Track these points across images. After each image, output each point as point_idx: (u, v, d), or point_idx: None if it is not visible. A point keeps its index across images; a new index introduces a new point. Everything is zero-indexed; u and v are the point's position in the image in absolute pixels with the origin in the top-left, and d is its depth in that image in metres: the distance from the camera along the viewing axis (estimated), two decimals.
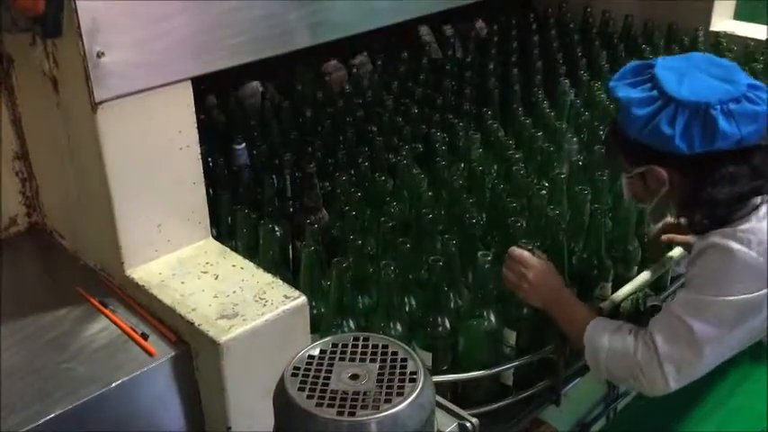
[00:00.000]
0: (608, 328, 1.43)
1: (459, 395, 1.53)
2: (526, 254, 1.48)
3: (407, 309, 1.53)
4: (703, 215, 1.34)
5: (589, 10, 2.73)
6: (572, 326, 1.47)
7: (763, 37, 2.46)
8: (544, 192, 1.69)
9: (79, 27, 1.12)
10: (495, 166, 1.88)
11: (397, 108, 2.13)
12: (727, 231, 1.31)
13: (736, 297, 1.29)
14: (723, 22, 2.59)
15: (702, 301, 1.32)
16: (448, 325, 1.48)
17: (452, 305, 1.51)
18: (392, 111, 2.11)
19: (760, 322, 1.33)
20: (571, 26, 2.71)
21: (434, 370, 1.48)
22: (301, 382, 0.86)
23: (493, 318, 1.49)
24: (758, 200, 1.32)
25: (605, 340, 1.41)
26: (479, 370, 1.48)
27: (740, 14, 2.64)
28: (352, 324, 1.45)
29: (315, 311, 1.46)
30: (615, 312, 1.60)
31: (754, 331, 1.34)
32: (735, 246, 1.29)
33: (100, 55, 1.15)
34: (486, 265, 1.45)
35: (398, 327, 1.46)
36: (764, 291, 1.29)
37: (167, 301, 1.25)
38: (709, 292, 1.31)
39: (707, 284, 1.32)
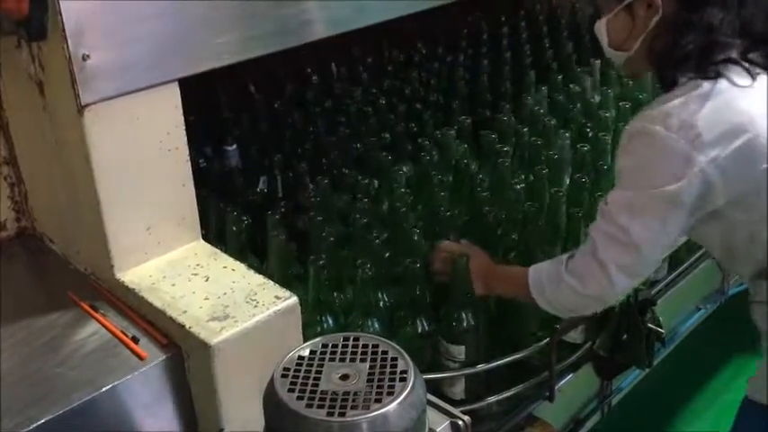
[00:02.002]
0: (545, 263, 1.42)
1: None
2: (452, 244, 1.52)
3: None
4: (676, 68, 1.27)
5: (578, 5, 2.74)
6: (516, 287, 1.45)
7: None
8: (520, 188, 1.71)
9: (64, 30, 1.11)
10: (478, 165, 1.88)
11: (387, 107, 2.13)
12: (653, 114, 1.25)
13: (665, 188, 1.23)
14: None
15: (633, 198, 1.27)
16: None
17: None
18: (381, 109, 2.11)
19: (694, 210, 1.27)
20: (562, 22, 2.71)
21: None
22: (291, 383, 0.86)
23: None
24: (705, 84, 1.25)
25: (545, 272, 1.40)
26: None
27: None
28: (376, 323, 1.46)
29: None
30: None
31: (692, 219, 1.29)
32: (656, 128, 1.22)
33: (85, 57, 1.14)
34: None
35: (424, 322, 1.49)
36: (690, 177, 1.22)
37: (158, 303, 1.24)
38: (638, 187, 1.26)
39: (634, 178, 1.28)
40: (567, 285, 1.35)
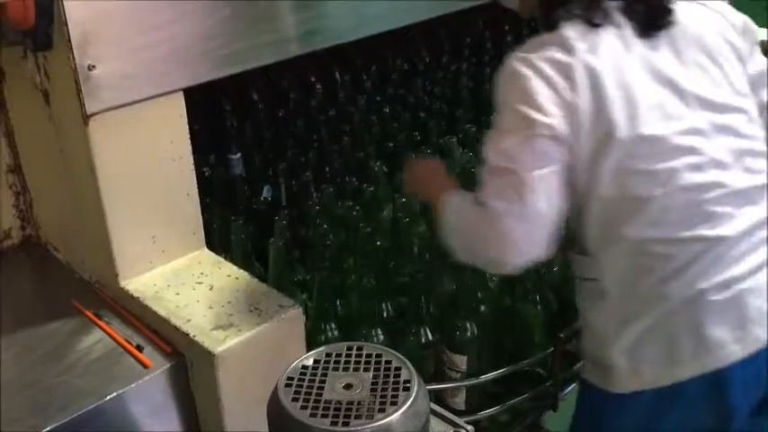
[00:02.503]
0: (465, 194, 1.33)
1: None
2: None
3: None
4: (563, 6, 1.25)
5: None
6: (438, 201, 1.36)
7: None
8: None
9: (69, 40, 1.12)
10: None
11: (391, 115, 2.13)
12: (527, 56, 1.22)
13: (532, 131, 1.19)
14: None
15: (508, 140, 1.21)
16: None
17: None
18: (385, 118, 2.11)
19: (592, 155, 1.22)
20: None
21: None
22: (295, 392, 0.87)
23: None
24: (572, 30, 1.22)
25: (457, 203, 1.32)
26: None
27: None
28: (380, 333, 1.46)
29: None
30: None
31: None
32: (523, 68, 1.21)
33: (91, 67, 1.15)
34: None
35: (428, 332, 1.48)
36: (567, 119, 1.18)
37: (162, 312, 1.25)
38: (509, 128, 1.22)
39: (504, 120, 1.24)
40: (466, 222, 1.29)
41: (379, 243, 1.59)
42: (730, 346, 1.21)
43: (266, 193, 1.78)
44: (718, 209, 1.21)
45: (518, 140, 1.20)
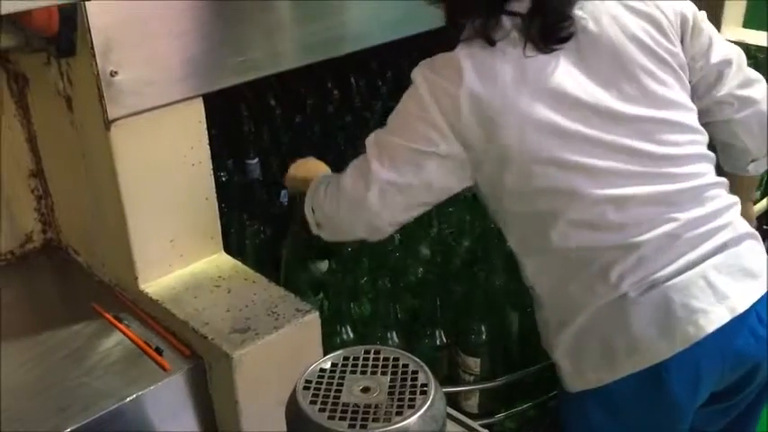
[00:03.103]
0: (329, 174, 1.43)
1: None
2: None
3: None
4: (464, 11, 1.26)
5: None
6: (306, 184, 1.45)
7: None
8: None
9: (92, 47, 1.14)
10: None
11: None
12: (430, 77, 1.24)
13: (408, 143, 1.25)
14: (731, 30, 2.59)
15: (387, 141, 1.28)
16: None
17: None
18: None
19: (440, 179, 1.27)
20: None
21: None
22: (313, 395, 0.87)
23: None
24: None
25: (319, 180, 1.42)
26: None
27: (749, 23, 2.63)
28: (395, 336, 1.47)
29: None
30: None
31: (435, 191, 1.29)
32: (421, 84, 1.24)
33: (113, 74, 1.17)
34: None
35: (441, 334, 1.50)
36: (440, 146, 1.23)
37: (181, 315, 1.26)
38: (394, 132, 1.28)
39: (393, 122, 1.30)
40: (321, 197, 1.38)
41: (393, 244, 1.60)
42: (659, 345, 1.21)
43: (283, 197, 1.79)
44: (627, 219, 1.22)
45: (396, 146, 1.26)
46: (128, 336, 1.28)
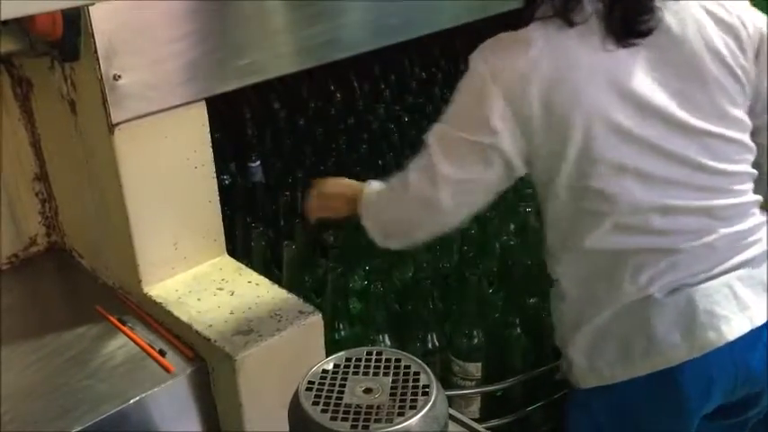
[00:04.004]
0: (381, 183, 1.37)
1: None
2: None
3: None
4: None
5: None
6: (354, 200, 1.39)
7: None
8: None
9: (96, 51, 1.15)
10: None
11: (409, 122, 2.15)
12: (492, 60, 1.18)
13: (469, 136, 1.20)
14: None
15: (448, 136, 1.24)
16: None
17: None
18: (404, 126, 2.13)
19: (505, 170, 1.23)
20: None
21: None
22: (316, 396, 0.88)
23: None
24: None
25: (374, 190, 1.36)
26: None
27: None
28: (387, 340, 1.47)
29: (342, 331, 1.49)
30: None
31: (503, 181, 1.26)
32: (482, 68, 1.18)
33: (116, 78, 1.17)
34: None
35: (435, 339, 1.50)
36: (497, 135, 1.18)
37: (184, 317, 1.27)
38: (453, 124, 1.24)
39: (456, 114, 1.24)
40: (386, 201, 1.34)
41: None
42: (678, 348, 1.22)
43: (286, 200, 1.79)
44: (671, 226, 1.22)
45: (459, 141, 1.22)
46: (131, 338, 1.29)
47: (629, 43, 1.18)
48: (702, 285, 1.22)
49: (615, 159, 1.18)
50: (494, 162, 1.21)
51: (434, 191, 1.24)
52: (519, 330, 1.54)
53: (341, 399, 0.87)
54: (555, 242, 1.31)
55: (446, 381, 1.54)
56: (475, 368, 1.51)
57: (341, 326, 1.50)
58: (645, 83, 1.18)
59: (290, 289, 1.34)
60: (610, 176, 1.19)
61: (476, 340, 1.51)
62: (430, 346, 1.51)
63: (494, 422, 1.51)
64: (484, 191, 1.26)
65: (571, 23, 1.17)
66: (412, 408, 0.85)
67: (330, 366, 0.92)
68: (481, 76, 1.18)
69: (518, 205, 1.69)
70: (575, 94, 1.16)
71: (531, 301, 1.60)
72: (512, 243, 1.56)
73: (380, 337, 1.48)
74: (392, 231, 1.35)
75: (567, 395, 1.39)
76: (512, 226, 1.72)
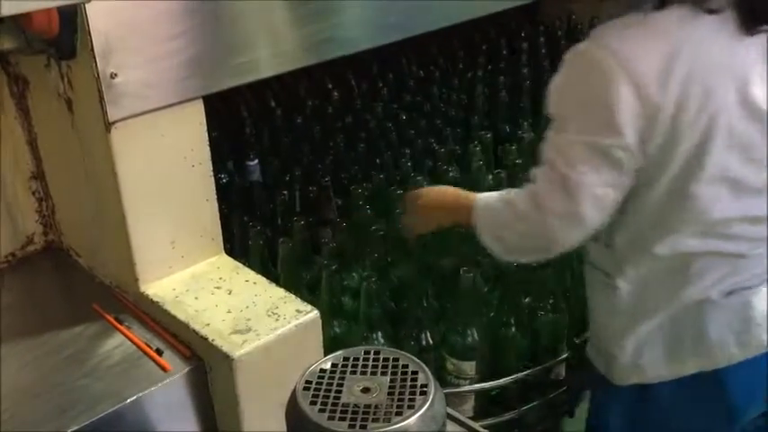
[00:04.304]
0: (493, 195, 1.33)
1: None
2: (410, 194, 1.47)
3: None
4: None
5: (596, 20, 2.74)
6: (463, 212, 1.35)
7: None
8: None
9: (93, 49, 1.14)
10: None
11: (407, 121, 2.15)
12: (619, 49, 1.10)
13: (604, 140, 1.12)
14: None
15: (571, 143, 1.16)
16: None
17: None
18: (401, 123, 2.13)
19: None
20: (581, 38, 2.71)
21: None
22: (313, 395, 0.87)
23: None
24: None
25: (491, 206, 1.31)
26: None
27: None
28: (381, 338, 1.47)
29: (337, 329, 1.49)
30: None
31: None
32: (607, 61, 1.09)
33: (113, 76, 1.17)
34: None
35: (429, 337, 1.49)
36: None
37: (181, 316, 1.26)
38: (577, 130, 1.15)
39: (575, 117, 1.16)
40: (509, 219, 1.26)
41: (385, 246, 1.60)
42: (731, 349, 1.22)
43: (283, 198, 1.79)
44: (747, 234, 1.21)
45: (584, 146, 1.14)
46: (128, 337, 1.28)
47: (758, 30, 1.11)
48: (758, 288, 1.22)
49: (720, 165, 1.14)
50: (624, 163, 1.14)
51: (573, 204, 1.17)
52: (514, 329, 1.54)
53: (338, 398, 0.87)
54: (623, 241, 1.26)
55: (440, 379, 1.52)
56: (469, 367, 1.51)
57: (335, 323, 1.50)
58: (758, 85, 1.13)
59: (285, 286, 1.34)
60: (710, 183, 1.15)
61: (470, 339, 1.50)
62: (424, 344, 1.50)
63: (488, 421, 1.50)
64: (620, 193, 1.19)
65: (709, 11, 1.09)
66: (410, 407, 0.85)
67: (328, 366, 0.92)
68: (606, 69, 1.10)
69: None
70: (706, 94, 1.10)
71: (527, 300, 1.60)
72: None
73: (374, 334, 1.48)
74: (522, 248, 1.29)
75: (596, 379, 1.37)
76: None
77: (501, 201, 1.30)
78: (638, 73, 1.08)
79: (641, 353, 1.27)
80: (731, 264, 1.22)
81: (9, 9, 0.91)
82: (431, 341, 1.51)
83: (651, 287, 1.25)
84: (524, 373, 1.54)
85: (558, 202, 1.18)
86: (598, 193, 1.16)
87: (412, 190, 1.50)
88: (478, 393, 1.53)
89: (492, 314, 1.55)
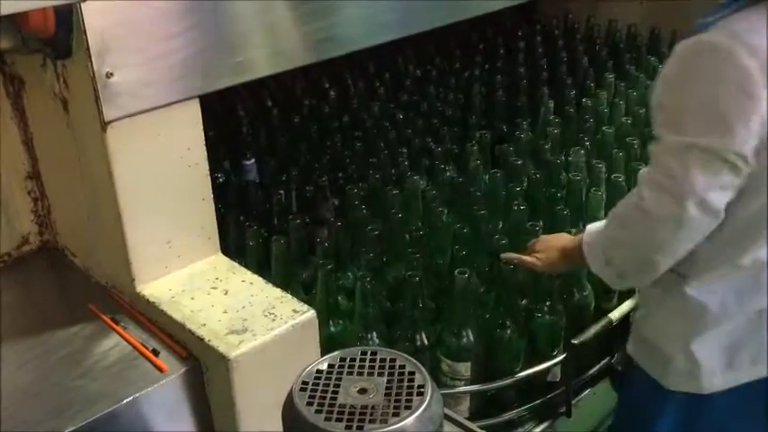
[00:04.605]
0: (598, 222, 1.32)
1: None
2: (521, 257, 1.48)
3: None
4: None
5: (593, 19, 2.75)
6: (576, 251, 1.34)
7: None
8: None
9: (88, 48, 1.14)
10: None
11: (404, 120, 2.14)
12: (744, 39, 1.04)
13: (733, 148, 1.08)
14: None
15: (690, 147, 1.11)
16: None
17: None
18: (398, 123, 2.12)
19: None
20: (577, 37, 2.72)
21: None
22: (310, 396, 0.87)
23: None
24: None
25: (596, 229, 1.30)
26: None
27: None
28: (375, 338, 1.46)
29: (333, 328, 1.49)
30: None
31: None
32: (740, 57, 1.04)
33: (109, 75, 1.16)
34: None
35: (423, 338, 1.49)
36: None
37: (177, 317, 1.26)
38: (695, 133, 1.10)
39: (693, 119, 1.10)
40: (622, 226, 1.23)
41: (381, 246, 1.60)
42: None
43: (280, 198, 1.78)
44: None
45: (701, 157, 1.10)
46: (124, 338, 1.28)
47: None
48: None
49: None
50: (742, 168, 1.11)
51: (680, 208, 1.12)
52: (509, 331, 1.54)
53: (335, 399, 0.87)
54: (711, 246, 1.21)
55: (435, 380, 1.51)
56: (464, 368, 1.50)
57: (330, 323, 1.50)
58: None
59: (278, 285, 1.33)
60: None
61: (465, 340, 1.50)
62: (419, 344, 1.50)
63: (484, 422, 1.50)
64: (731, 196, 1.15)
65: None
66: (407, 408, 0.85)
67: (324, 366, 0.92)
68: (740, 66, 1.05)
69: (511, 205, 1.69)
70: None
71: (523, 302, 1.59)
72: (503, 242, 1.56)
73: (369, 334, 1.47)
74: (628, 269, 1.25)
75: (639, 380, 1.36)
76: (504, 225, 1.71)
77: (607, 219, 1.28)
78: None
79: (699, 360, 1.26)
80: None
81: (8, 8, 0.91)
82: (426, 342, 1.51)
83: (724, 295, 1.24)
84: (519, 376, 1.53)
85: (664, 207, 1.14)
86: (710, 198, 1.12)
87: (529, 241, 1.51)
88: (474, 394, 1.53)
89: (487, 315, 1.55)
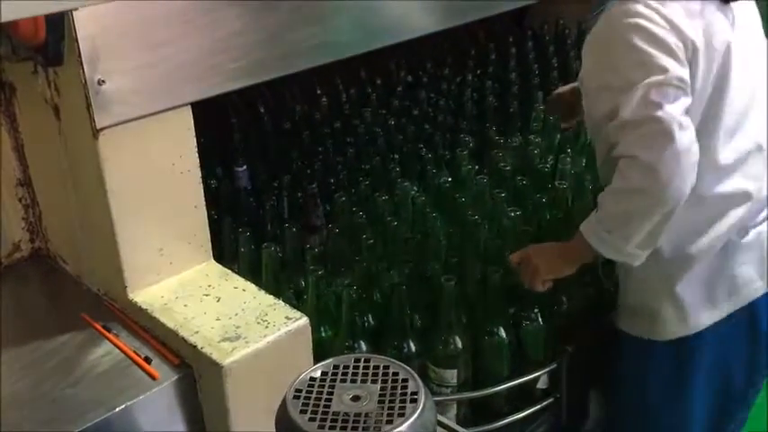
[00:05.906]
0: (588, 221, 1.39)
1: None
2: (515, 256, 1.52)
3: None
4: None
5: (584, 24, 2.75)
6: (575, 246, 1.42)
7: None
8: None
9: (80, 55, 1.14)
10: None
11: (395, 126, 2.15)
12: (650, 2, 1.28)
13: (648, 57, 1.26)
14: None
15: (637, 95, 1.25)
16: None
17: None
18: (390, 130, 2.12)
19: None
20: (569, 42, 2.73)
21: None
22: (303, 404, 0.87)
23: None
24: None
25: (593, 217, 1.36)
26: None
27: None
28: (363, 346, 1.46)
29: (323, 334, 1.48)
30: None
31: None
32: (651, 14, 1.28)
33: (101, 82, 1.16)
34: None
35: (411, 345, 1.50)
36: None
37: (170, 324, 1.26)
38: (636, 79, 1.26)
39: (628, 73, 1.27)
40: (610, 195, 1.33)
41: (371, 253, 1.60)
42: (756, 283, 1.40)
43: (272, 204, 1.78)
44: (759, 171, 1.39)
45: (658, 91, 1.24)
46: (116, 345, 1.28)
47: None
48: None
49: (734, 108, 1.37)
50: (686, 89, 1.31)
51: (671, 140, 1.23)
52: (497, 338, 1.53)
53: (329, 407, 0.87)
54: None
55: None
56: (451, 375, 1.50)
57: (321, 329, 1.49)
58: (742, 51, 1.41)
59: (269, 291, 1.33)
60: (729, 120, 1.37)
61: (452, 347, 1.50)
62: (406, 351, 1.50)
63: (473, 430, 1.50)
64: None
65: None
66: (400, 415, 0.85)
67: (318, 374, 0.92)
68: (649, 18, 1.29)
69: (500, 210, 1.69)
70: (718, 50, 1.37)
71: (511, 310, 1.59)
72: (493, 248, 1.56)
73: (356, 342, 1.47)
74: (642, 216, 1.29)
75: (630, 349, 1.50)
76: (494, 230, 1.71)
77: (598, 206, 1.36)
78: (676, 24, 1.28)
79: (683, 305, 1.40)
80: (746, 206, 1.38)
81: (7, 15, 0.90)
82: (413, 349, 1.51)
83: (686, 240, 1.38)
84: (508, 384, 1.53)
85: (658, 149, 1.23)
86: (684, 122, 1.24)
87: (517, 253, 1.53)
88: (461, 401, 1.52)
89: (474, 322, 1.55)
